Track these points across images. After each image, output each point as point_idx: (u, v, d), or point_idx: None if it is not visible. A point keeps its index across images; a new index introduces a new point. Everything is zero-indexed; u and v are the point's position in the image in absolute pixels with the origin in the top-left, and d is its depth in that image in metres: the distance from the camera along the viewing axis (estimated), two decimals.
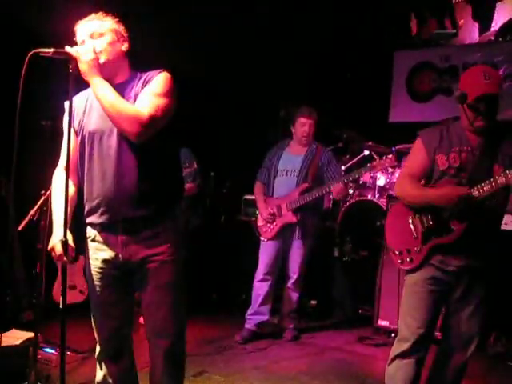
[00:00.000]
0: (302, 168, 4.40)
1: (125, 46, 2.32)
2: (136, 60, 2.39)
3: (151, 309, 2.28)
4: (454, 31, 6.92)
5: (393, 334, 4.49)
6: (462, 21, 6.86)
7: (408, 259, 2.57)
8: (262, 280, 4.41)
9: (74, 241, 2.21)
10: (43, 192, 3.03)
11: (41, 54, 2.03)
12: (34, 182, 3.08)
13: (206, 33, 5.63)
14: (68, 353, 3.55)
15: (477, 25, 6.79)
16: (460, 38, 6.91)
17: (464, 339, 2.60)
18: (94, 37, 2.23)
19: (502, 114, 5.70)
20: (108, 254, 2.27)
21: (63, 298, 2.10)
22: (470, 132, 2.57)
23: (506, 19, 6.45)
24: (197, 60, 5.93)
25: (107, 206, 2.23)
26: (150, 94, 2.19)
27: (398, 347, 2.60)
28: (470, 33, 6.84)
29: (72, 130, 2.26)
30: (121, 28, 2.34)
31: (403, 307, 2.62)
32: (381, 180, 5.82)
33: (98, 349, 2.40)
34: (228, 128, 6.28)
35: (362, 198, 5.74)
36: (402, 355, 2.56)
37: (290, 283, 4.47)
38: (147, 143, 2.16)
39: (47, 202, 3.02)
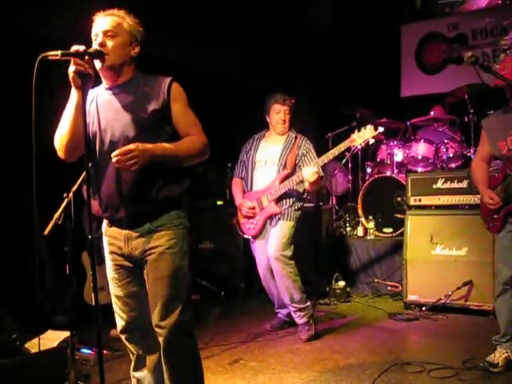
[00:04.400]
0: (281, 157, 4.06)
1: (135, 51, 2.30)
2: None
3: (151, 301, 2.30)
4: None
5: (424, 308, 4.50)
6: None
7: (492, 224, 3.31)
8: (265, 280, 4.23)
9: None
10: (65, 194, 3.06)
11: (49, 58, 1.99)
12: (54, 186, 3.10)
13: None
14: (104, 351, 3.59)
15: None
16: (467, 6, 6.80)
17: None
18: (107, 35, 2.21)
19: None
20: (115, 247, 2.33)
21: (95, 295, 2.10)
22: None
23: None
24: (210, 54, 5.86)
25: (111, 202, 2.27)
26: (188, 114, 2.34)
27: (497, 289, 3.32)
28: None
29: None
30: (138, 30, 2.30)
31: (497, 257, 3.35)
32: (398, 156, 5.79)
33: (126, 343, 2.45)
34: (240, 116, 6.18)
35: (381, 175, 5.72)
36: (502, 293, 3.26)
37: (274, 271, 4.03)
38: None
39: (70, 204, 3.06)
